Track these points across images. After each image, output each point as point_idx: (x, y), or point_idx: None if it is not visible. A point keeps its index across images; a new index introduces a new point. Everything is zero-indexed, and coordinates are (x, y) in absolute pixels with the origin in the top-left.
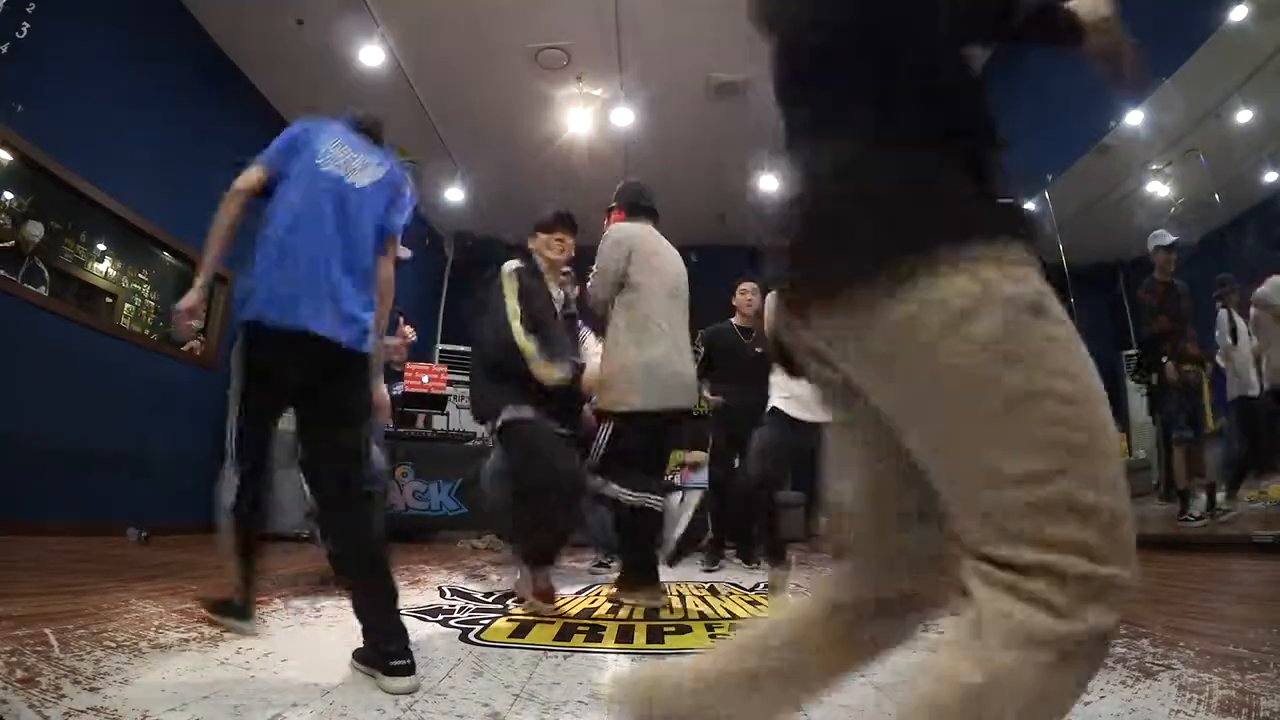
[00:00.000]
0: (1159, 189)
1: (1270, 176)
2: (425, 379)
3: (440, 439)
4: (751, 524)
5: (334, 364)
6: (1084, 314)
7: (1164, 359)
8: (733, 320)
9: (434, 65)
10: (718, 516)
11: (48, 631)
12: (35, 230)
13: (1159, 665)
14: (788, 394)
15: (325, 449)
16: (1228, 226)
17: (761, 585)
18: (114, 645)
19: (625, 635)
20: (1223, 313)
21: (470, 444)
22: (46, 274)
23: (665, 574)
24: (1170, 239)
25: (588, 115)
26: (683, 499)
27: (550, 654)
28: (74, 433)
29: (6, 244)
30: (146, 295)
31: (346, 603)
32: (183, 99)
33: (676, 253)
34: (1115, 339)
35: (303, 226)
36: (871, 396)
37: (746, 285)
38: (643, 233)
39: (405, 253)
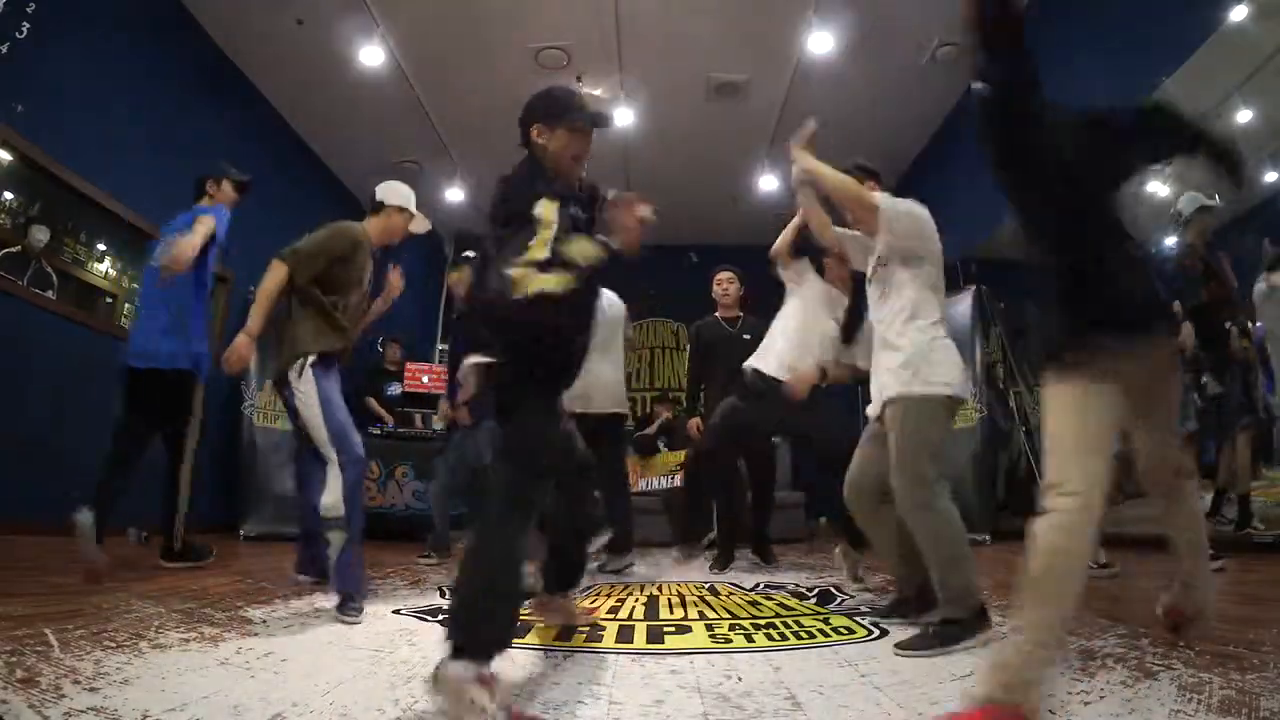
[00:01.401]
0: (1159, 189)
1: (1270, 176)
2: (425, 379)
3: (440, 439)
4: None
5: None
6: None
7: (1227, 325)
8: (716, 314)
9: (434, 65)
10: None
11: (48, 631)
12: (41, 234)
13: (1159, 665)
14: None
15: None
16: (1227, 226)
17: (762, 585)
18: (114, 645)
19: (625, 635)
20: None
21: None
22: (54, 278)
23: (667, 573)
24: (1209, 201)
25: None
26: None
27: (550, 654)
28: (75, 433)
29: (12, 249)
30: None
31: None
32: (183, 99)
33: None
34: None
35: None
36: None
37: (723, 275)
38: None
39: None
